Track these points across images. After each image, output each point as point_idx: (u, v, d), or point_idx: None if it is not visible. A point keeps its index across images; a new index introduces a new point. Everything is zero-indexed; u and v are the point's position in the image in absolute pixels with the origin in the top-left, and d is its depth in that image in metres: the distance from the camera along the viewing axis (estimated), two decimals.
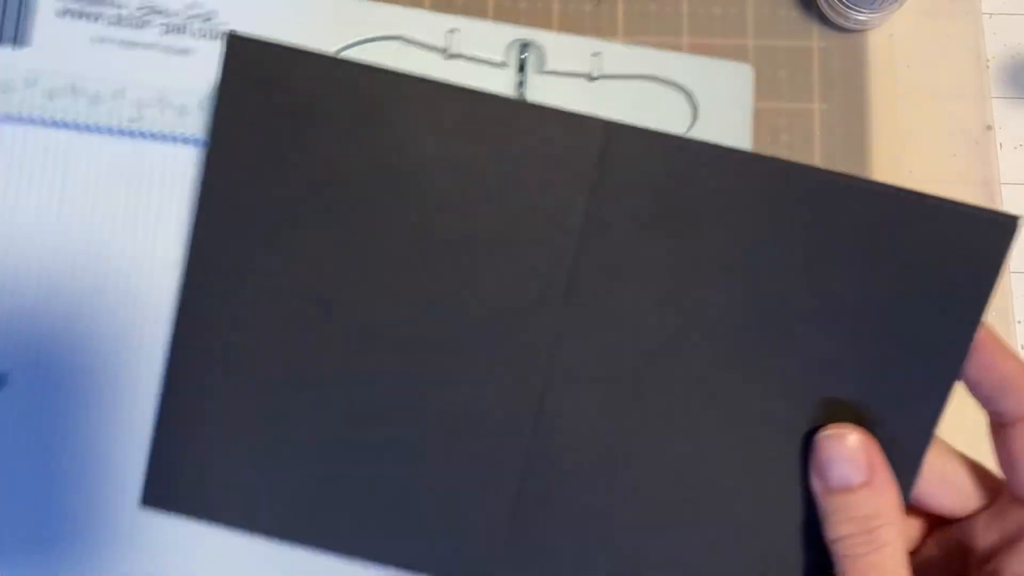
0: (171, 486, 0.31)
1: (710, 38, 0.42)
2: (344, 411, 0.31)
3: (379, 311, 0.30)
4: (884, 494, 0.26)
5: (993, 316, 0.40)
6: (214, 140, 0.30)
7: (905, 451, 0.28)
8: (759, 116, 0.42)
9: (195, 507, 0.31)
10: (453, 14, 0.40)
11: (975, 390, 0.28)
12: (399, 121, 0.29)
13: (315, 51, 0.30)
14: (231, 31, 0.30)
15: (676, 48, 0.42)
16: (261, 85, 0.30)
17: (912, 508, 0.29)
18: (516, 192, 0.29)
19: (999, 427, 0.28)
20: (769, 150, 0.41)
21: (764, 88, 0.42)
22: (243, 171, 0.30)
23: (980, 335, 0.28)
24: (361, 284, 0.30)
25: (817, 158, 0.41)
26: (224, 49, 0.30)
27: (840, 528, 0.26)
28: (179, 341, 0.31)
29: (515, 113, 0.29)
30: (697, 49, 0.42)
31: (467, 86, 0.29)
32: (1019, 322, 0.41)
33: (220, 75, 0.30)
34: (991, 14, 0.42)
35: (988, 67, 0.43)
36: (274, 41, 0.30)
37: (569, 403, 0.30)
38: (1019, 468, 0.27)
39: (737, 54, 0.42)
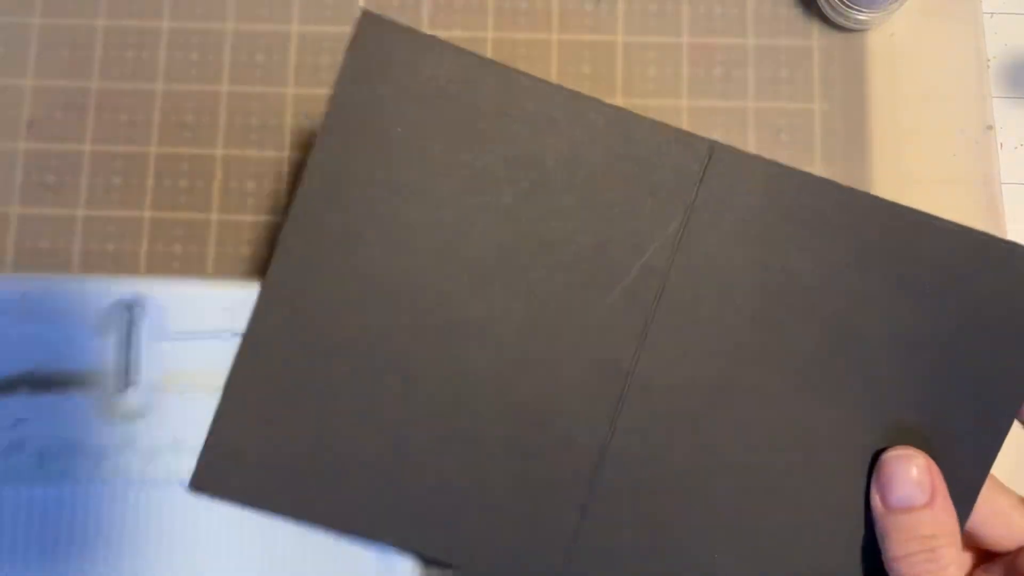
0: (226, 470, 0.30)
1: (710, 37, 0.42)
2: (420, 403, 0.30)
3: (472, 303, 0.30)
4: (945, 516, 0.27)
5: None
6: (334, 112, 0.30)
7: (963, 480, 0.29)
8: (759, 116, 0.42)
9: (249, 493, 0.30)
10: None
11: None
12: (524, 118, 0.30)
13: (448, 42, 0.30)
14: (365, 8, 0.30)
15: (676, 49, 0.42)
16: (389, 66, 0.30)
17: (964, 539, 0.29)
18: (621, 199, 0.30)
19: None
20: (769, 150, 0.41)
21: (764, 88, 0.42)
22: (358, 146, 0.30)
23: None
24: (457, 273, 0.30)
25: (817, 158, 0.41)
26: (356, 25, 0.30)
27: (903, 547, 0.27)
28: (259, 314, 0.30)
29: (630, 123, 0.30)
30: (697, 49, 0.42)
31: (585, 93, 0.30)
32: None
33: (348, 50, 0.30)
34: (992, 13, 0.41)
35: (989, 67, 0.43)
36: (408, 26, 0.30)
37: (645, 412, 0.30)
38: None
39: (737, 54, 0.42)
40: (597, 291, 0.30)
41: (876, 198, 0.30)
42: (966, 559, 0.30)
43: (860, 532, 0.30)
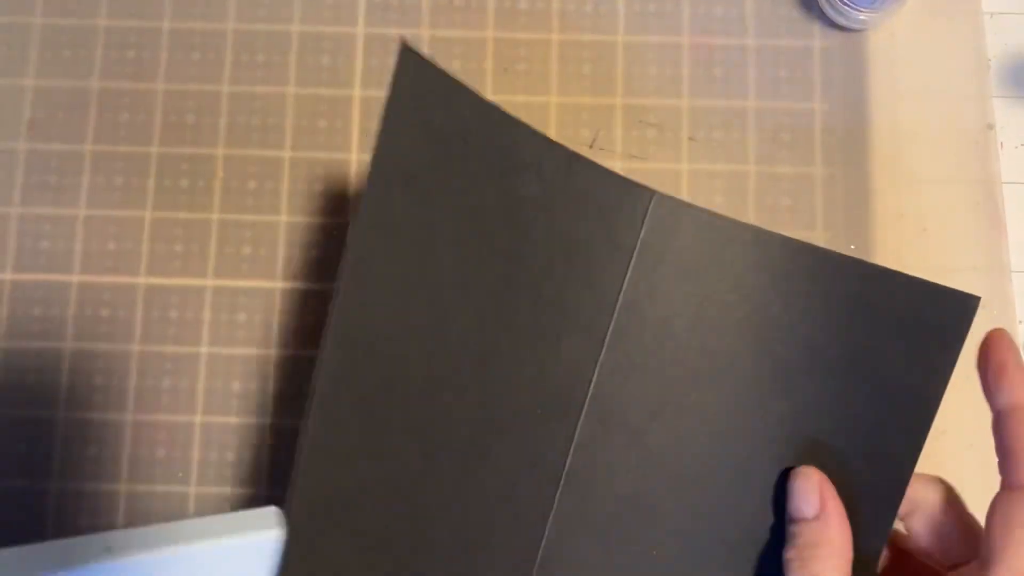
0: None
1: (710, 37, 0.42)
2: (445, 434, 0.32)
3: (479, 339, 0.32)
4: (829, 528, 0.30)
5: (995, 316, 0.40)
6: (385, 146, 0.30)
7: (882, 494, 0.32)
8: (759, 115, 0.42)
9: None
10: None
11: (983, 384, 0.30)
12: (522, 166, 0.33)
13: (470, 87, 0.32)
14: (404, 41, 0.30)
15: (677, 48, 0.42)
16: (426, 102, 0.31)
17: (912, 552, 0.32)
18: (584, 239, 0.34)
19: (997, 420, 0.30)
20: (769, 149, 0.41)
21: (764, 88, 0.42)
22: (406, 184, 0.31)
23: (995, 337, 0.30)
24: (470, 312, 0.32)
25: (817, 158, 0.41)
26: (398, 56, 0.30)
27: (788, 552, 0.30)
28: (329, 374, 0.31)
29: (597, 173, 0.33)
30: (698, 48, 0.42)
31: (565, 145, 0.33)
32: (1020, 322, 0.41)
33: (393, 79, 0.30)
34: (992, 14, 0.41)
35: (989, 66, 0.43)
36: (439, 66, 0.31)
37: (600, 432, 0.33)
38: (1014, 455, 0.29)
39: (737, 53, 0.42)
40: (562, 325, 0.33)
41: (788, 238, 0.33)
42: (883, 558, 0.33)
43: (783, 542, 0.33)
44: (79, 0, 0.43)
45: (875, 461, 0.32)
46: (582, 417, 0.33)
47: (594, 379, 0.33)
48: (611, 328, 0.33)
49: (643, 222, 0.34)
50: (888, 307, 0.33)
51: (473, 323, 0.32)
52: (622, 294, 0.33)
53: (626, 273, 0.33)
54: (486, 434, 0.33)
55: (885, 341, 0.33)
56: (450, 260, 0.32)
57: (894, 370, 0.33)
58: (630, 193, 0.33)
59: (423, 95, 0.31)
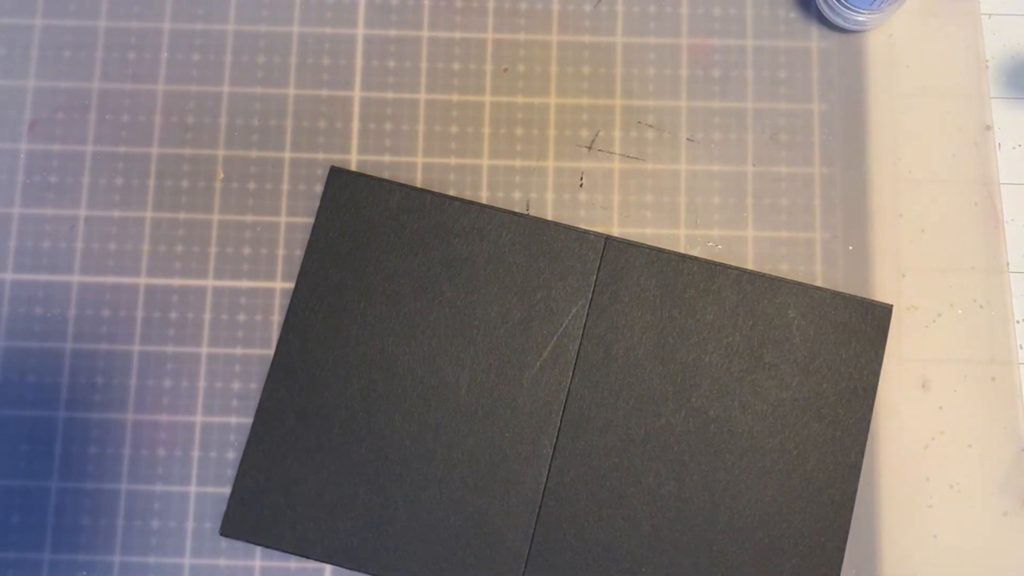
0: (247, 518, 0.38)
1: (709, 38, 0.42)
2: (396, 454, 0.38)
3: (428, 374, 0.38)
4: None
5: (993, 316, 0.40)
6: (315, 239, 0.40)
7: (834, 497, 0.38)
8: (758, 116, 0.42)
9: (266, 537, 0.38)
10: None
11: None
12: (458, 231, 0.39)
13: (397, 182, 0.40)
14: (333, 165, 0.40)
15: (676, 50, 0.42)
16: (354, 200, 0.40)
17: None
18: (538, 285, 0.39)
19: None
20: (768, 150, 0.42)
21: (763, 89, 0.42)
22: (335, 261, 0.39)
23: None
24: (417, 352, 0.39)
25: (816, 158, 0.42)
26: (328, 177, 0.40)
27: None
28: (268, 392, 0.39)
29: (542, 227, 0.40)
30: (697, 49, 0.42)
31: (508, 209, 0.40)
32: (1019, 322, 0.41)
33: (323, 194, 0.40)
34: (990, 14, 0.42)
35: (987, 67, 0.43)
36: (365, 173, 0.40)
37: (576, 451, 0.38)
38: None
39: (737, 54, 0.42)
40: (528, 356, 0.39)
41: (730, 267, 0.39)
42: None
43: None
44: (80, 1, 0.43)
45: (834, 440, 0.38)
46: (558, 440, 0.38)
47: (566, 403, 0.38)
48: (578, 356, 0.38)
49: (599, 265, 0.39)
50: (825, 319, 0.39)
51: (418, 359, 0.38)
52: (585, 328, 0.39)
53: (587, 310, 0.39)
54: (435, 444, 0.38)
55: (816, 346, 0.39)
56: (389, 311, 0.39)
57: (827, 372, 0.38)
58: (584, 241, 0.39)
59: (351, 197, 0.40)
